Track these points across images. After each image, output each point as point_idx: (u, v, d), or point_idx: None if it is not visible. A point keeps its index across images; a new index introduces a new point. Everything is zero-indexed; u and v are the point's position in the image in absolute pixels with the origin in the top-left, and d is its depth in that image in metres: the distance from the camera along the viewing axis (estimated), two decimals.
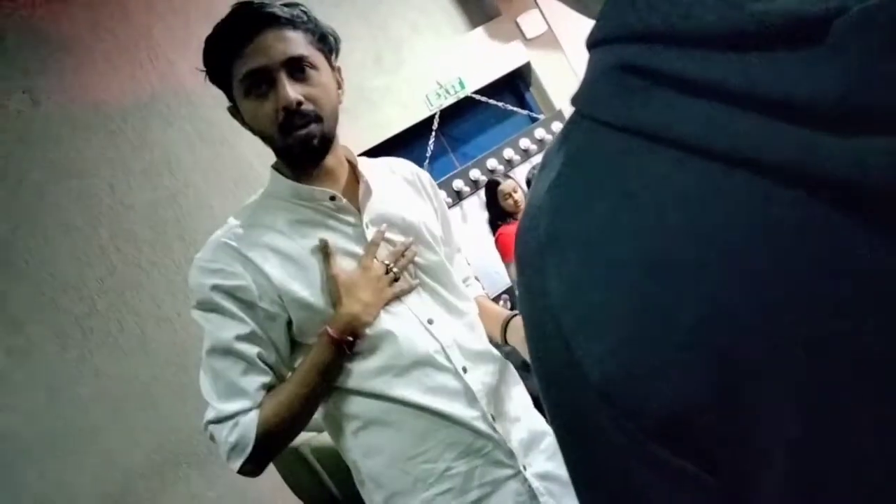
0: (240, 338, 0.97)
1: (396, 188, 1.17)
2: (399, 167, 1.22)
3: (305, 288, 1.00)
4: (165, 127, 2.68)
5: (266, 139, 1.02)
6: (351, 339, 0.99)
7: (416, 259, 1.10)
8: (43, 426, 2.45)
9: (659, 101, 0.28)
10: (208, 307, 0.99)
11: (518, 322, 1.17)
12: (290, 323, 1.01)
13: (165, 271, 2.66)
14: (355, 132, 3.03)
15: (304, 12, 1.02)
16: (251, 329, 0.98)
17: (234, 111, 1.05)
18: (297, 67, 0.98)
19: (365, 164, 1.14)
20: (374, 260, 1.03)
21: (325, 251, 1.02)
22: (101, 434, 2.53)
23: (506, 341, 1.18)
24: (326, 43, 1.05)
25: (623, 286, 0.28)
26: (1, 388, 2.43)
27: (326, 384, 1.01)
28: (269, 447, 0.97)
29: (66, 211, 2.61)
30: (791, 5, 0.24)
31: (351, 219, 1.07)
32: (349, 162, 1.12)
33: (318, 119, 1.00)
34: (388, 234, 1.08)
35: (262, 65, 0.95)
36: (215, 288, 0.97)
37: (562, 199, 0.32)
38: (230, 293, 0.97)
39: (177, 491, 2.56)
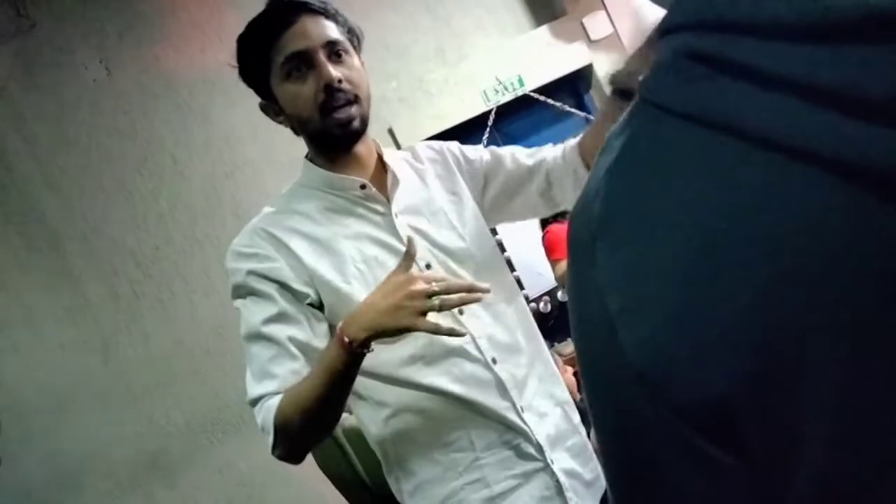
0: (268, 320, 0.98)
1: (424, 175, 1.18)
2: (423, 150, 1.23)
3: (335, 272, 1.01)
4: (229, 104, 2.75)
5: (304, 123, 1.04)
6: (356, 345, 0.91)
7: (445, 243, 1.10)
8: (92, 384, 2.57)
9: (725, 91, 0.28)
10: (243, 292, 1.02)
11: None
12: (321, 306, 1.03)
13: (218, 243, 2.73)
14: (412, 122, 3.05)
15: (333, 7, 1.07)
16: (281, 309, 0.99)
17: (267, 107, 1.07)
18: (334, 51, 1.02)
19: (391, 155, 1.15)
20: (421, 282, 0.92)
21: (410, 249, 0.95)
22: (144, 396, 2.63)
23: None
24: (353, 36, 1.09)
25: (672, 272, 0.28)
26: (54, 346, 2.54)
27: (344, 384, 0.95)
28: (291, 439, 0.95)
29: (130, 178, 2.71)
30: None
31: (380, 207, 1.08)
32: (377, 153, 1.14)
33: (356, 100, 1.03)
34: (417, 224, 1.09)
35: (303, 47, 0.99)
36: (250, 272, 1.01)
37: (618, 183, 0.32)
38: (264, 275, 1.00)
39: (210, 457, 2.65)
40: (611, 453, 0.35)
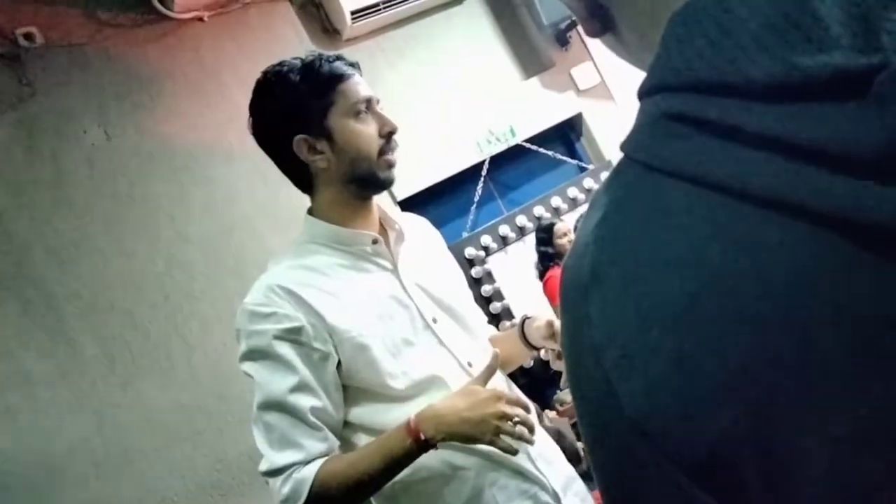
0: (292, 390, 0.97)
1: (419, 240, 1.22)
2: (416, 222, 1.28)
3: (353, 327, 1.01)
4: (227, 164, 2.79)
5: (358, 160, 1.06)
6: (431, 443, 0.95)
7: (447, 302, 1.13)
8: (87, 449, 2.51)
9: (703, 148, 0.29)
10: (259, 355, 1.00)
11: (532, 323, 1.16)
12: (340, 364, 1.02)
13: (216, 302, 2.72)
14: (407, 175, 3.09)
15: None
16: (302, 378, 0.98)
17: (305, 141, 1.06)
18: (377, 107, 1.10)
19: (396, 214, 1.20)
20: (509, 404, 0.96)
21: (493, 363, 1.01)
22: (141, 459, 2.56)
23: (532, 345, 1.17)
24: None
25: (664, 324, 0.29)
26: (50, 410, 2.50)
27: (400, 470, 0.98)
28: None
29: (128, 239, 2.72)
30: (834, 60, 0.25)
31: (387, 263, 1.10)
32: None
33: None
34: (421, 280, 1.11)
35: (370, 95, 1.08)
36: (268, 333, 0.99)
37: (606, 238, 0.33)
38: (283, 337, 0.98)
39: None
40: (611, 502, 0.35)
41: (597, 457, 0.35)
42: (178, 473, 2.58)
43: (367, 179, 1.08)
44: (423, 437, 0.94)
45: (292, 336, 0.99)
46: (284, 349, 0.98)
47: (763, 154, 0.27)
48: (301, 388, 0.98)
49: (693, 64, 0.30)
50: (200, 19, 2.86)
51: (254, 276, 1.12)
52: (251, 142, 1.17)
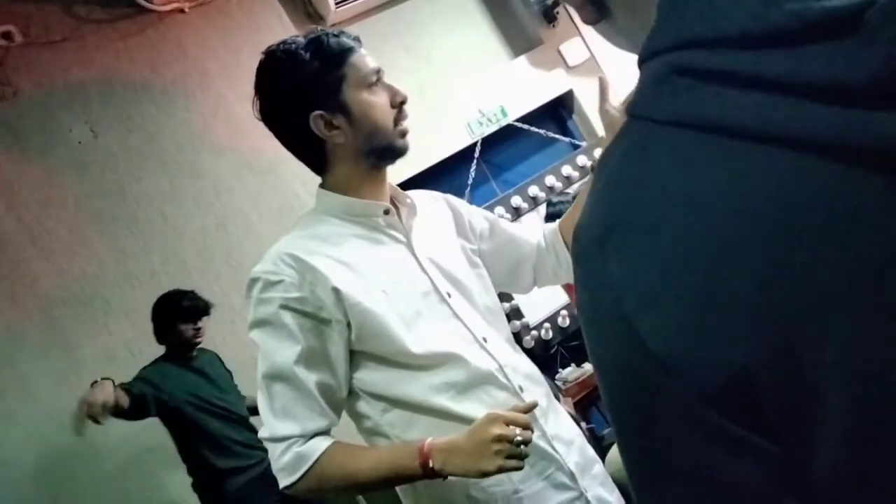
0: (297, 361, 0.97)
1: (431, 214, 1.21)
2: (429, 197, 1.27)
3: (362, 294, 1.00)
4: (216, 156, 2.76)
5: (375, 131, 1.07)
6: (432, 467, 0.94)
7: (459, 278, 1.12)
8: (92, 450, 2.51)
9: (708, 96, 0.30)
10: (266, 324, 1.00)
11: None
12: (349, 328, 1.01)
13: (212, 296, 2.70)
14: (401, 160, 3.07)
15: None
16: (307, 349, 0.98)
17: (321, 118, 1.04)
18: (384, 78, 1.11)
19: (407, 192, 1.19)
20: (502, 425, 0.92)
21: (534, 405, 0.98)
22: (147, 458, 2.57)
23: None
24: None
25: (682, 261, 0.30)
26: (54, 413, 2.50)
27: (396, 484, 1.00)
28: (320, 490, 0.99)
29: (121, 237, 2.70)
30: (824, 2, 0.27)
31: (400, 236, 1.09)
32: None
33: None
34: (433, 255, 1.10)
35: (380, 66, 1.09)
36: (274, 302, 0.98)
37: (619, 191, 0.34)
38: (289, 306, 0.98)
39: None
40: (633, 446, 0.36)
41: (617, 400, 0.35)
42: (183, 472, 2.58)
43: (384, 150, 1.09)
44: (431, 465, 0.93)
45: (298, 306, 0.98)
46: (290, 319, 0.98)
47: (765, 95, 0.28)
48: (306, 359, 0.98)
49: (691, 22, 0.31)
50: (181, 11, 2.82)
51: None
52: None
